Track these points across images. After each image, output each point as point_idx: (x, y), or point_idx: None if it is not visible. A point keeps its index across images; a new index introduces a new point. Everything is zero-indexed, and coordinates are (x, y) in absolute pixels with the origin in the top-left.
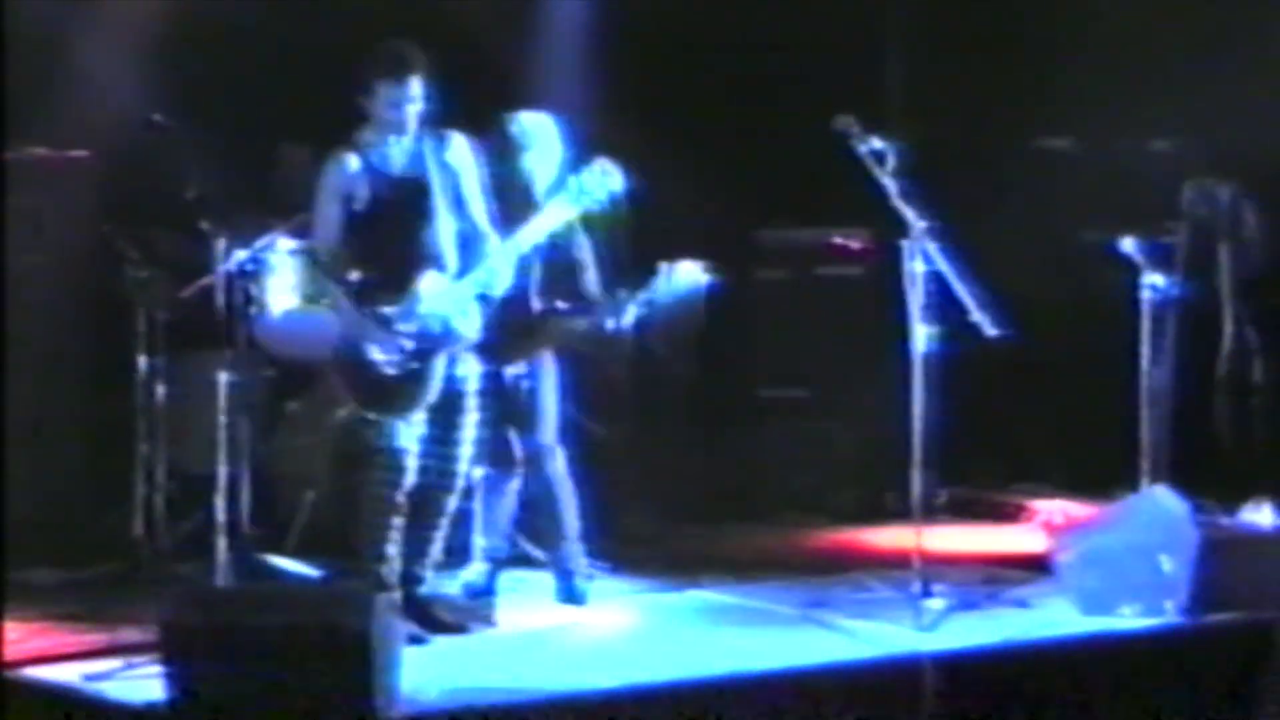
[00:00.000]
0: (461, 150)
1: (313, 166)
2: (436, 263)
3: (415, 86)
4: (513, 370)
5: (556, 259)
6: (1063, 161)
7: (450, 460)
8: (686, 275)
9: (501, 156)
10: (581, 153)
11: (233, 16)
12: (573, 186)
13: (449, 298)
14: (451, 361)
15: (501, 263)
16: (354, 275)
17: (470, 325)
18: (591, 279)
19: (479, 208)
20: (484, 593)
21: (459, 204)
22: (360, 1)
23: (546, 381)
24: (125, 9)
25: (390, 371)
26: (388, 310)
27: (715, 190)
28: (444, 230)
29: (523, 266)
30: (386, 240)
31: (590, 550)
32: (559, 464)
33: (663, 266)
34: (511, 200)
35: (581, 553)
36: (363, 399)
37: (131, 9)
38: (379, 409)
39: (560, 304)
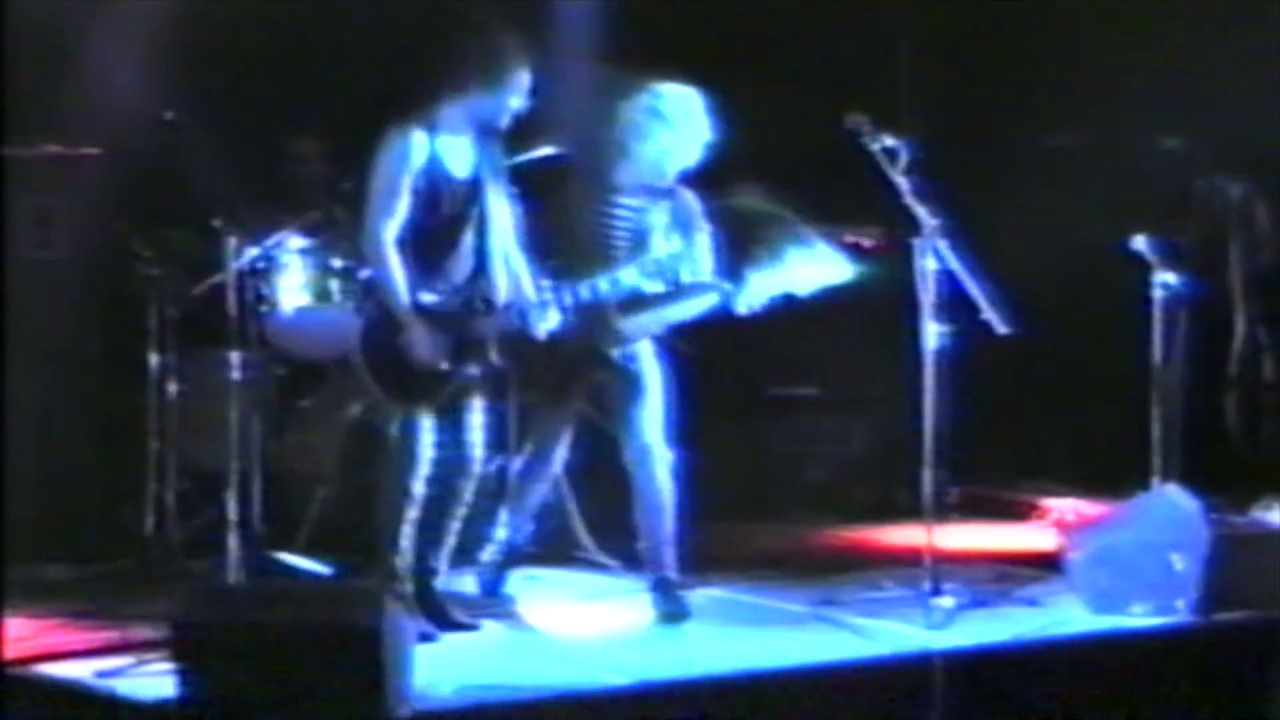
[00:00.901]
0: (500, 155)
1: (322, 160)
2: (483, 273)
3: (520, 93)
4: (613, 363)
5: None
6: (1073, 159)
7: (465, 447)
8: (833, 272)
9: (631, 132)
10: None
11: (244, 12)
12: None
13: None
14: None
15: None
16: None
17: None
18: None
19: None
20: (496, 589)
21: (503, 217)
22: None
23: (650, 378)
24: (136, 5)
25: (423, 366)
26: (437, 307)
27: (725, 188)
28: (494, 238)
29: None
30: (435, 237)
31: (602, 546)
32: (662, 468)
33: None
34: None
35: (675, 562)
36: (392, 392)
37: (142, 5)
38: (408, 402)
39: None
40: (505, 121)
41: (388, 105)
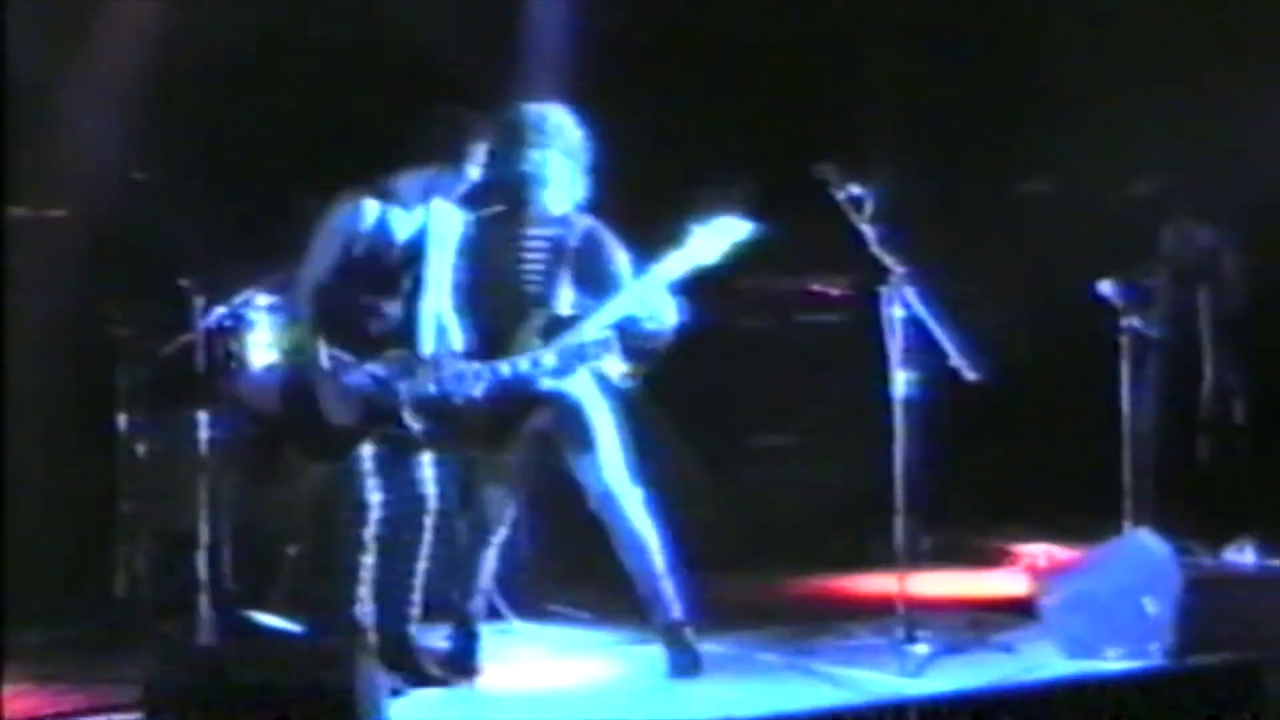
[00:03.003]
0: (452, 219)
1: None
2: (410, 332)
3: (476, 164)
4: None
5: None
6: (1041, 205)
7: (416, 487)
8: (727, 229)
9: (511, 152)
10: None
11: (212, 70)
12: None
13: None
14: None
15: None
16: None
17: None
18: None
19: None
20: (466, 645)
21: (439, 279)
22: (340, 54)
23: (595, 416)
24: (101, 67)
25: (337, 421)
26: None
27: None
28: (426, 304)
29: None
30: (367, 298)
31: (570, 600)
32: (633, 506)
33: (694, 227)
34: (513, 201)
35: (678, 598)
36: (301, 444)
37: (108, 67)
38: (313, 456)
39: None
40: (460, 192)
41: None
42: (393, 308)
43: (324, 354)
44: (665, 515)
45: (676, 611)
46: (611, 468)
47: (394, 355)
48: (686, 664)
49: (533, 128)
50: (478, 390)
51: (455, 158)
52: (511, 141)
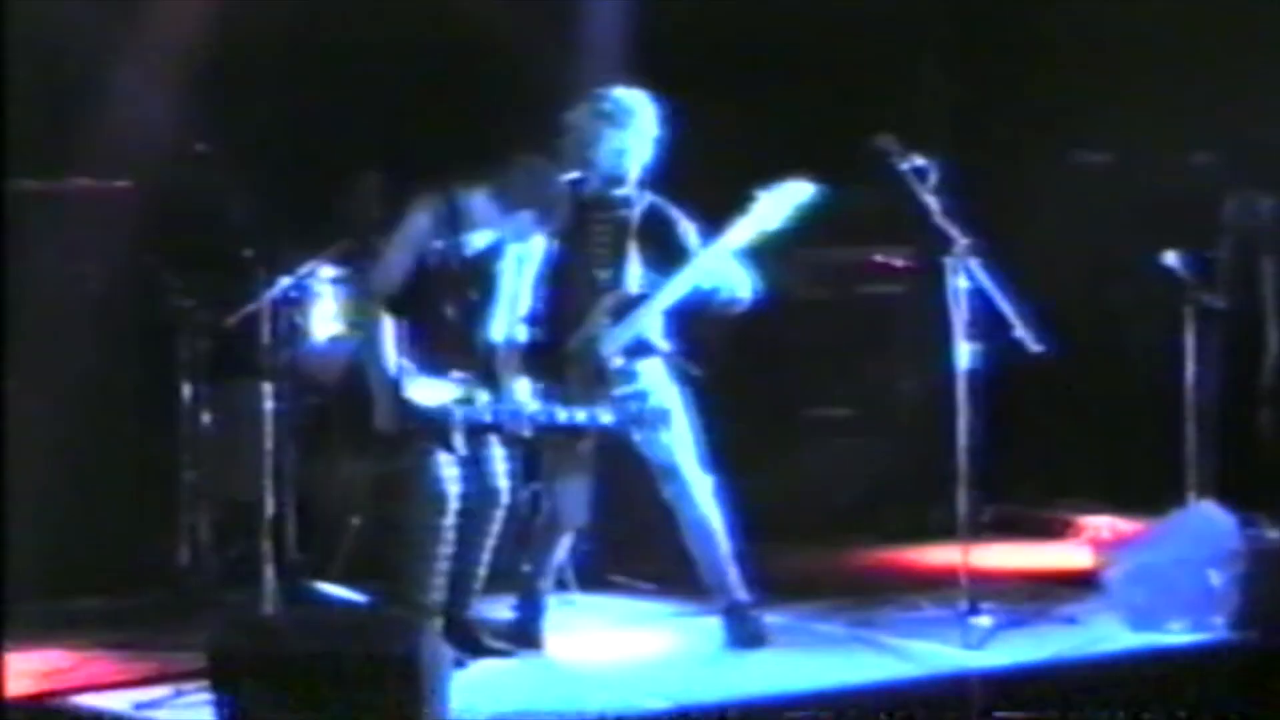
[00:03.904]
0: (537, 246)
1: (383, 194)
2: (475, 356)
3: (554, 224)
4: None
5: None
6: (1104, 176)
7: (488, 478)
8: (791, 192)
9: (589, 136)
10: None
11: (276, 43)
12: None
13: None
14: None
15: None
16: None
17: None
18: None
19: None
20: (531, 617)
21: (514, 301)
22: (398, 27)
23: (669, 405)
24: (166, 39)
25: (381, 428)
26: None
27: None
28: (495, 328)
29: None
30: (437, 313)
31: (635, 571)
32: (704, 495)
33: (758, 192)
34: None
35: (742, 583)
36: (349, 440)
37: (172, 38)
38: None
39: None
40: (527, 238)
41: (431, 166)
42: (464, 323)
43: (392, 360)
44: (734, 500)
45: (741, 594)
46: (683, 455)
47: (459, 378)
48: (747, 638)
49: (607, 112)
50: (527, 431)
51: (541, 218)
52: (585, 126)
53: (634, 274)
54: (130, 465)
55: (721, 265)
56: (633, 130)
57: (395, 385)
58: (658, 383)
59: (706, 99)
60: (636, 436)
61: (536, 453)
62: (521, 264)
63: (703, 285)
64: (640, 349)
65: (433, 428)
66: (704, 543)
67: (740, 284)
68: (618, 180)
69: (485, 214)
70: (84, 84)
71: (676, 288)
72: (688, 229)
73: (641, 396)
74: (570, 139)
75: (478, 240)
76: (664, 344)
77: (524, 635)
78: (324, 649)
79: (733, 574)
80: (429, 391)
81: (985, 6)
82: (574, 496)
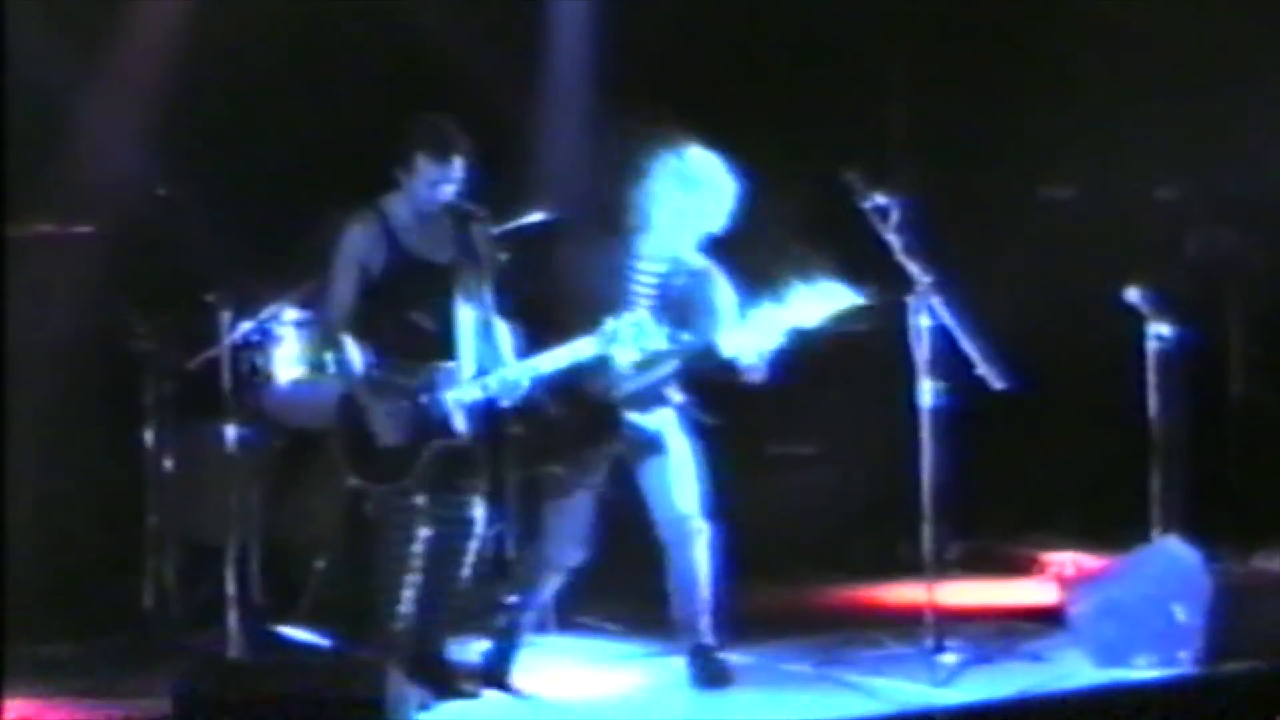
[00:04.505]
0: (485, 233)
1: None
2: (448, 349)
3: (457, 169)
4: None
5: None
6: (1066, 211)
7: (461, 511)
8: (832, 294)
9: (653, 197)
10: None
11: (238, 85)
12: (609, 330)
13: (457, 396)
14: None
15: (518, 376)
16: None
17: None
18: None
19: (491, 296)
20: (505, 654)
21: (478, 291)
22: (363, 67)
23: (676, 448)
24: (127, 83)
25: (387, 443)
26: (398, 385)
27: (716, 247)
28: (461, 318)
29: None
30: (398, 318)
31: (602, 612)
32: (701, 542)
33: (796, 283)
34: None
35: (711, 630)
36: (358, 469)
37: (133, 83)
38: (371, 478)
39: None
40: (443, 200)
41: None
42: (429, 322)
43: (365, 375)
44: (727, 551)
45: (708, 638)
46: (685, 501)
47: (437, 367)
48: (711, 678)
49: (674, 169)
50: (519, 394)
51: (441, 165)
52: (646, 176)
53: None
54: (94, 508)
55: (743, 340)
56: (705, 197)
57: (379, 393)
58: (666, 426)
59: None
60: (641, 481)
61: (501, 493)
62: (475, 248)
63: (720, 353)
64: (655, 398)
65: (431, 420)
66: (688, 588)
67: (751, 362)
68: (678, 243)
69: (403, 202)
70: (44, 129)
71: (691, 350)
72: (727, 300)
73: (644, 430)
74: (638, 194)
75: (416, 232)
76: (677, 395)
77: (494, 674)
78: (289, 692)
79: (705, 619)
80: (412, 389)
81: (947, 42)
82: (569, 534)
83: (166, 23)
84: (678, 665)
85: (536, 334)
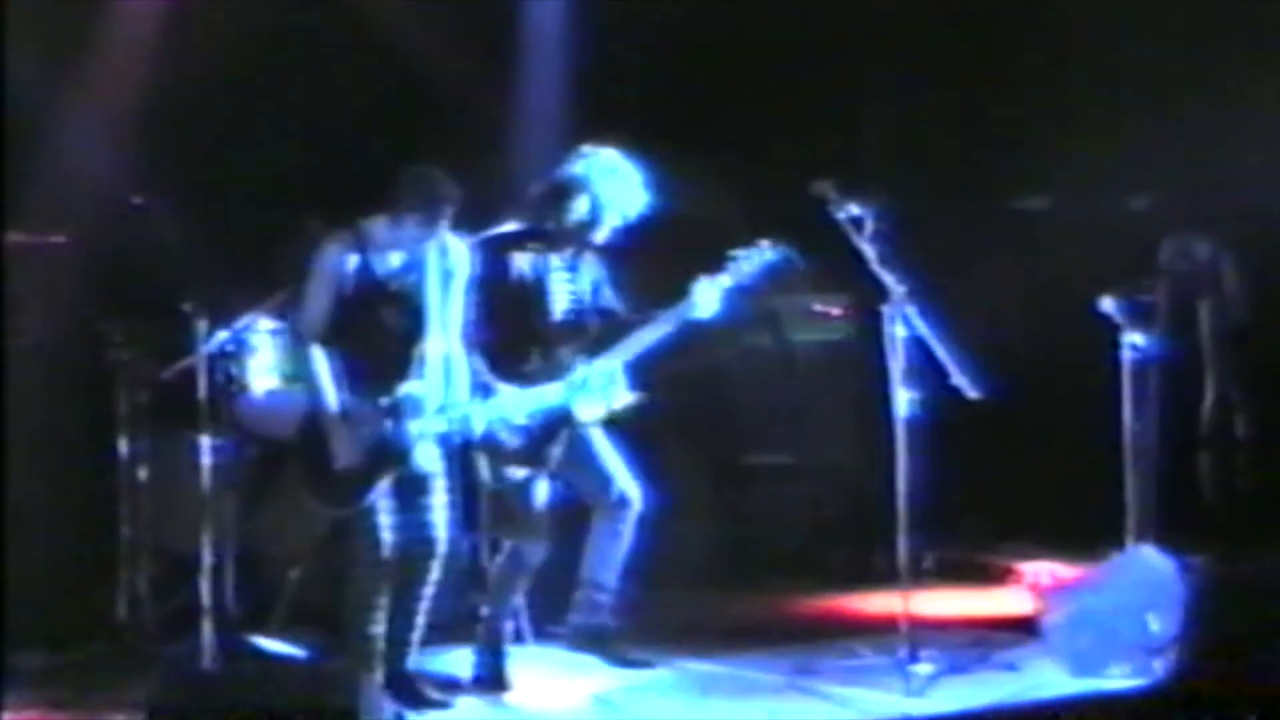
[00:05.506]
0: (461, 260)
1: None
2: (414, 377)
3: (445, 217)
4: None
5: None
6: (1041, 221)
7: (427, 528)
8: (760, 254)
9: (560, 197)
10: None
11: (215, 94)
12: (577, 380)
13: (420, 427)
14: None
15: (482, 415)
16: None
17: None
18: None
19: (461, 327)
20: (495, 660)
21: (447, 321)
22: (340, 75)
23: (595, 435)
24: (102, 92)
25: (346, 466)
26: (361, 411)
27: (692, 257)
28: (430, 348)
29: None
30: (366, 342)
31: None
32: (633, 517)
33: (739, 252)
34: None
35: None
36: (315, 489)
37: (109, 92)
38: (326, 500)
39: None
40: (432, 238)
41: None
42: (397, 346)
43: (329, 397)
44: (651, 533)
45: (612, 622)
46: (621, 470)
47: (402, 395)
48: (623, 664)
49: (577, 172)
50: (479, 430)
51: (428, 217)
52: (558, 186)
53: (600, 320)
54: (68, 518)
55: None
56: (608, 193)
57: (345, 417)
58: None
59: (644, 145)
60: (580, 456)
61: (476, 501)
62: (449, 278)
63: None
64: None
65: (393, 449)
66: (607, 566)
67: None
68: (586, 237)
69: (385, 232)
70: (21, 137)
71: (644, 337)
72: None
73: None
74: (548, 194)
75: (391, 261)
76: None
77: (491, 680)
78: (263, 703)
79: (608, 600)
80: (378, 416)
81: (921, 52)
82: (533, 534)
83: (141, 31)
84: (650, 673)
85: (499, 358)
